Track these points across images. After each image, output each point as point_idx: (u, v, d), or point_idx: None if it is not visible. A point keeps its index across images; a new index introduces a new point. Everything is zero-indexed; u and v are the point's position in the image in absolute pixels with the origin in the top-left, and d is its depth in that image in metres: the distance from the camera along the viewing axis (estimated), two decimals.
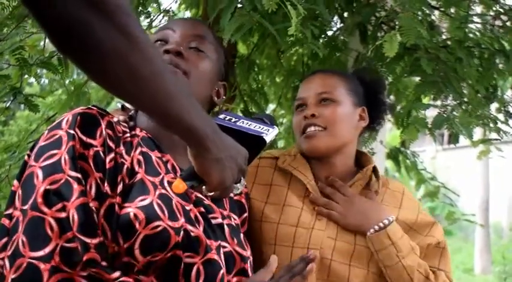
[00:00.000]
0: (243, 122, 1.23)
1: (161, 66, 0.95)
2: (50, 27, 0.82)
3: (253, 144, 1.20)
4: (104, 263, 1.07)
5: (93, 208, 1.09)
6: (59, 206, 1.05)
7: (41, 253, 1.02)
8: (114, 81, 0.91)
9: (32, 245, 1.03)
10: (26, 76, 2.90)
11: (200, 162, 1.08)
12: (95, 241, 1.07)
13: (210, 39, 1.40)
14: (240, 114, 3.37)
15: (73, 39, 0.83)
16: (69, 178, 1.07)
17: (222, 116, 1.24)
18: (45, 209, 1.04)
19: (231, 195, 1.40)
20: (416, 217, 1.65)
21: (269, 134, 1.22)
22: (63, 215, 1.05)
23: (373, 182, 1.67)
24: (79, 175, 1.08)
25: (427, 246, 1.63)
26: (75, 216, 1.06)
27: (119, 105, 1.42)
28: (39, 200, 1.05)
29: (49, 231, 1.03)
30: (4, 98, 2.98)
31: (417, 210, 1.68)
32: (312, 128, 1.62)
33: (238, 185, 1.17)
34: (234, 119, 1.23)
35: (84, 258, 1.05)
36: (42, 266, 1.02)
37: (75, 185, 1.07)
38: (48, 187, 1.06)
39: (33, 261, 1.02)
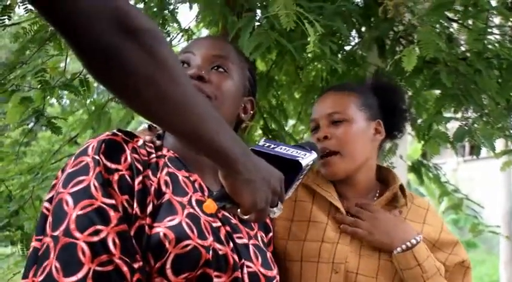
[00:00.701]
0: (281, 148, 1.23)
1: (190, 88, 0.95)
2: (78, 48, 0.84)
3: (290, 168, 1.19)
4: None
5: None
6: (91, 230, 1.06)
7: (73, 278, 1.03)
8: (139, 101, 0.92)
9: (66, 270, 1.04)
10: (48, 97, 2.94)
11: (231, 183, 1.07)
12: (136, 266, 1.09)
13: (232, 57, 1.38)
14: (260, 131, 3.37)
15: (98, 59, 0.84)
16: (103, 205, 1.08)
17: (261, 143, 1.24)
18: (78, 234, 1.05)
19: None
20: (438, 235, 1.64)
21: (305, 158, 1.22)
22: (95, 239, 1.05)
23: (399, 197, 1.66)
24: (113, 201, 1.09)
25: (454, 265, 1.62)
26: (117, 241, 1.07)
27: (146, 126, 1.41)
28: (72, 226, 1.06)
29: (81, 256, 1.04)
30: (27, 121, 3.02)
31: (440, 228, 1.66)
32: (326, 153, 1.61)
33: (275, 209, 1.15)
34: (272, 146, 1.23)
35: (134, 278, 1.07)
36: None
37: (112, 212, 1.08)
38: (80, 212, 1.07)
39: None
